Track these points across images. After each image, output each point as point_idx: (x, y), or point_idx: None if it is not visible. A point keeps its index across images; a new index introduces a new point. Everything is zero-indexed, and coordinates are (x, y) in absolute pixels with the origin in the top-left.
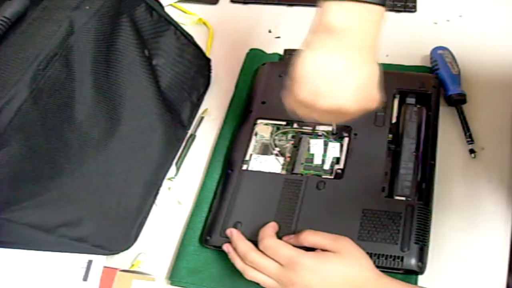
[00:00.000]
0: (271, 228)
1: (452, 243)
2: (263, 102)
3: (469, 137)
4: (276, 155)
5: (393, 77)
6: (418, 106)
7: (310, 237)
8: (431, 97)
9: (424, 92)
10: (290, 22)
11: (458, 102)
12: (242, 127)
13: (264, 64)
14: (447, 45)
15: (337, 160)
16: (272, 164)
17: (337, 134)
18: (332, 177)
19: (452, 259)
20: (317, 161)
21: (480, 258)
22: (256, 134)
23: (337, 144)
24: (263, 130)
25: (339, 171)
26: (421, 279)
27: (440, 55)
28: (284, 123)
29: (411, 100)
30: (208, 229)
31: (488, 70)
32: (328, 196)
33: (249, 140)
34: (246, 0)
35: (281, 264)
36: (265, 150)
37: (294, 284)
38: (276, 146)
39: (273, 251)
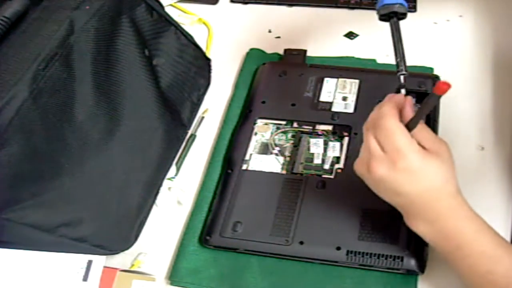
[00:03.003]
0: (394, 106)
1: None
2: (263, 102)
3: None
4: (276, 154)
5: (393, 77)
6: (418, 105)
7: (420, 131)
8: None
9: (424, 92)
10: (290, 22)
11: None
12: (242, 126)
13: (264, 64)
14: (447, 45)
15: (337, 159)
16: (272, 164)
17: (337, 133)
18: (332, 176)
19: None
20: (317, 160)
21: None
22: (256, 134)
23: (337, 144)
24: (263, 129)
25: (339, 170)
26: (421, 279)
27: None
28: (284, 122)
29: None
30: (207, 229)
31: (488, 69)
32: (328, 196)
33: (249, 139)
34: (246, 0)
35: (384, 150)
36: (265, 149)
37: (382, 180)
38: (276, 145)
39: (386, 135)
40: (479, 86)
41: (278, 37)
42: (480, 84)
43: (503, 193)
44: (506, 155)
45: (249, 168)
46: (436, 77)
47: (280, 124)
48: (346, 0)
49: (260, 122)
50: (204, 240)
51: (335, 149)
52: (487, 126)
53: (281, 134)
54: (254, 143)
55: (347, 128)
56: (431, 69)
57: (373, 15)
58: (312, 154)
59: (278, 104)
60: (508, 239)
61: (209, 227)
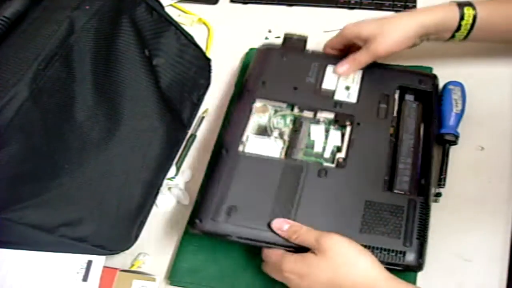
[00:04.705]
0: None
1: (453, 243)
2: (263, 83)
3: (442, 181)
4: (275, 137)
5: (394, 73)
6: (417, 103)
7: (296, 234)
8: (431, 95)
9: (424, 90)
10: (290, 22)
11: (447, 142)
12: (239, 105)
13: (263, 46)
14: (446, 44)
15: (338, 148)
16: (271, 147)
17: (339, 122)
18: (333, 165)
19: (453, 259)
20: (317, 148)
21: (480, 258)
22: (253, 115)
23: (338, 132)
24: (261, 110)
25: (341, 160)
26: (421, 279)
27: (449, 90)
28: (284, 105)
29: (409, 97)
30: (198, 212)
31: (488, 68)
32: (330, 185)
33: (247, 120)
34: (246, 0)
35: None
36: (262, 132)
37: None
38: (275, 128)
39: (265, 258)
40: (478, 86)
41: (278, 37)
42: (479, 83)
43: (503, 193)
44: (506, 155)
45: (246, 150)
46: (434, 76)
47: (280, 107)
48: (346, 0)
49: (258, 103)
50: (192, 224)
51: (336, 137)
52: (487, 126)
53: (280, 117)
54: (252, 124)
55: (349, 117)
56: (430, 68)
57: (373, 15)
58: (313, 141)
59: (279, 86)
60: (508, 239)
61: (199, 209)
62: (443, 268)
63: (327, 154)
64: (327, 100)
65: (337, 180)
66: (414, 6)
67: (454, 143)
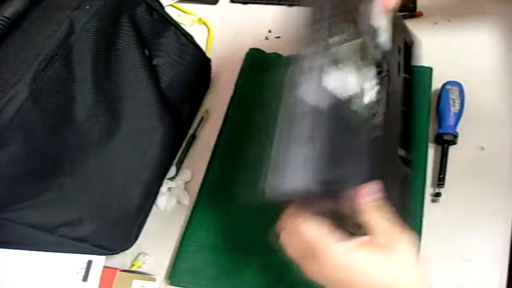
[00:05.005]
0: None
1: (453, 243)
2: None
3: (441, 181)
4: (348, 71)
5: (402, 23)
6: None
7: (370, 212)
8: (412, 53)
9: (410, 45)
10: (290, 22)
11: (446, 142)
12: (310, 21)
13: None
14: (448, 44)
15: (376, 102)
16: (344, 84)
17: (381, 68)
18: (377, 122)
19: (453, 259)
20: (366, 99)
21: (480, 258)
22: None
23: (374, 82)
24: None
25: (383, 117)
26: None
27: (446, 90)
28: (349, 29)
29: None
30: (295, 170)
31: (488, 68)
32: (379, 147)
33: (324, 43)
34: (246, 0)
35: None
36: (337, 60)
37: (313, 277)
38: (342, 58)
39: (297, 232)
40: (478, 86)
41: (278, 37)
42: (479, 83)
43: (503, 193)
44: (506, 155)
45: (324, 84)
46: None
47: (343, 31)
48: None
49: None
50: (295, 186)
51: (375, 88)
52: (487, 126)
53: (344, 43)
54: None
55: (387, 65)
56: (430, 68)
57: None
58: (363, 89)
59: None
60: (508, 239)
61: (295, 167)
62: (443, 268)
63: (368, 107)
64: (374, 39)
65: (381, 142)
66: (414, 7)
67: (453, 142)
